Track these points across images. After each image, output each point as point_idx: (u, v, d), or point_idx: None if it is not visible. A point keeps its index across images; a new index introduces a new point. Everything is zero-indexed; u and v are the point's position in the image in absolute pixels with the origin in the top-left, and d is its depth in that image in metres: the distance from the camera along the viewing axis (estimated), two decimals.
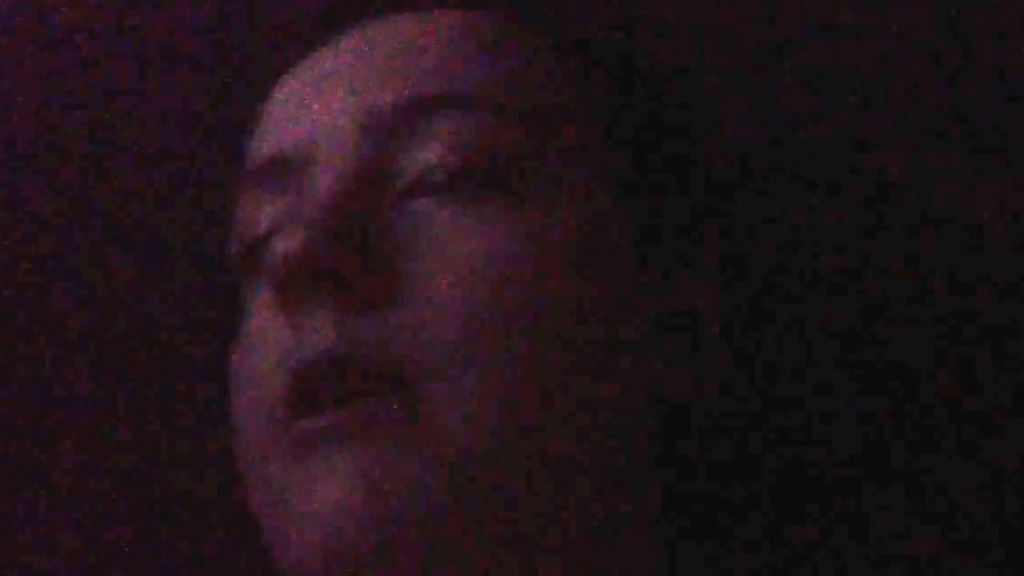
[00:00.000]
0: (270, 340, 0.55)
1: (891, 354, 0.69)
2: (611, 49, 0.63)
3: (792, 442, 0.69)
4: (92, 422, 0.81)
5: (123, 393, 0.81)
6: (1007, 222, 0.69)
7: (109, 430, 0.81)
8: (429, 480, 0.51)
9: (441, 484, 0.51)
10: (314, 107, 0.57)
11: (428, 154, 0.55)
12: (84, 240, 0.82)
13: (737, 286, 0.67)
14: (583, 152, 0.58)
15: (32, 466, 0.82)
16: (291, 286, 0.53)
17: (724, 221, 0.68)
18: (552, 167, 0.56)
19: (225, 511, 0.79)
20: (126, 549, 0.81)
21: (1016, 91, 0.70)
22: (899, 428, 0.69)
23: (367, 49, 0.58)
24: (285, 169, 0.57)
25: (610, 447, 0.55)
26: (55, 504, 0.82)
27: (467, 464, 0.52)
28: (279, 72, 0.62)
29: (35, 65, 0.82)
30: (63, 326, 0.82)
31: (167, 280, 0.81)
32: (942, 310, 0.69)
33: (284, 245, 0.52)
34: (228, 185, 0.66)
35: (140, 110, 0.81)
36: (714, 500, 0.66)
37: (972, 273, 0.69)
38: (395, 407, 0.52)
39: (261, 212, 0.58)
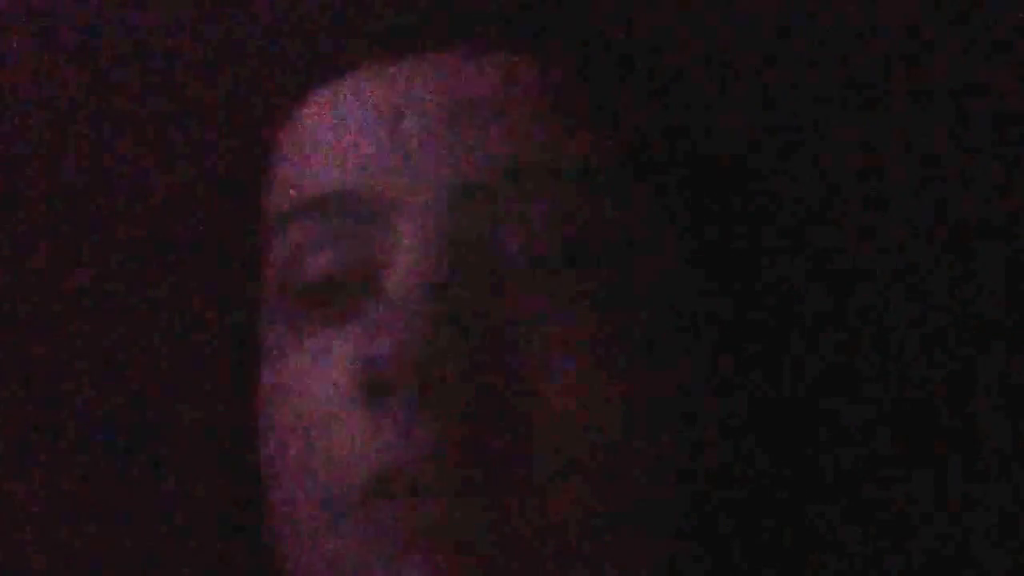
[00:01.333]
0: (348, 429, 0.51)
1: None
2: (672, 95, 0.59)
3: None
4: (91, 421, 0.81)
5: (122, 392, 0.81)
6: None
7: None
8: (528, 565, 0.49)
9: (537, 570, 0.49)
10: (386, 147, 0.52)
11: (535, 229, 0.51)
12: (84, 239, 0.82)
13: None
14: (663, 214, 0.55)
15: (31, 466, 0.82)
16: (390, 389, 0.49)
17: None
18: (643, 237, 0.53)
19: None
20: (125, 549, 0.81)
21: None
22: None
23: (448, 91, 0.52)
24: (351, 207, 0.52)
25: (669, 523, 0.54)
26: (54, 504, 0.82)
27: (557, 556, 0.49)
28: (315, 81, 0.56)
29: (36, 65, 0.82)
30: (63, 325, 0.82)
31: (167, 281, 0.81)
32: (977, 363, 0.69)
33: (387, 343, 0.48)
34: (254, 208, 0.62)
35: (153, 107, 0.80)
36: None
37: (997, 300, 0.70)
38: (499, 504, 0.49)
39: (322, 251, 0.53)
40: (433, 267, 0.50)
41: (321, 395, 0.52)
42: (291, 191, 0.54)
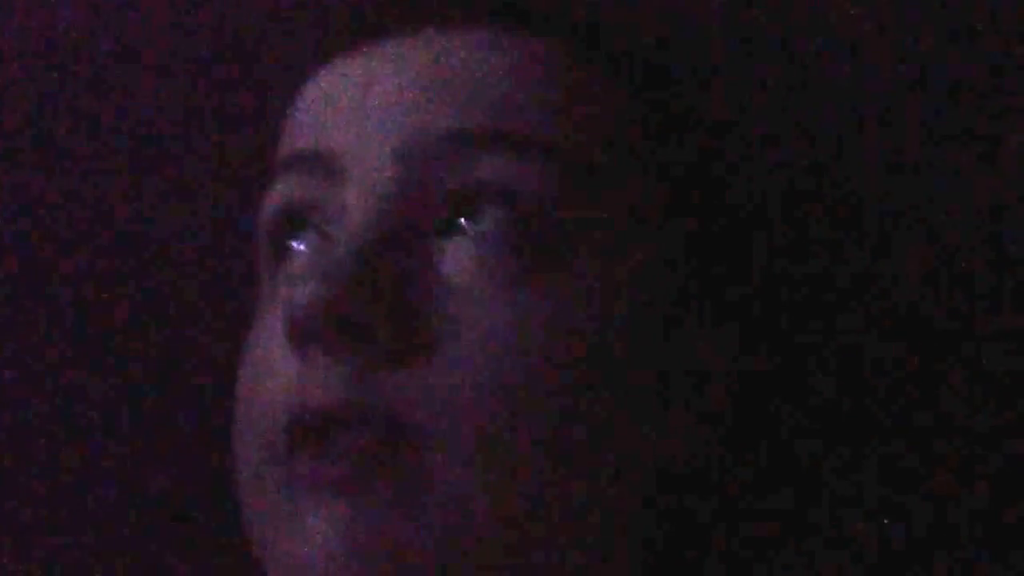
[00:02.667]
0: (280, 363, 0.54)
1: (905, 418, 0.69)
2: (664, 89, 0.60)
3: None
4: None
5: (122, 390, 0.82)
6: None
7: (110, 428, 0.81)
8: (419, 544, 0.51)
9: (430, 549, 0.51)
10: (353, 115, 0.55)
11: (468, 196, 0.53)
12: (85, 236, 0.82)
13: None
14: (630, 203, 0.56)
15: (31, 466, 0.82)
16: (306, 333, 0.51)
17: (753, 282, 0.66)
18: (597, 221, 0.55)
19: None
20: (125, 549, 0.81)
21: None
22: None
23: (413, 64, 0.55)
24: (320, 165, 0.56)
25: (606, 519, 0.54)
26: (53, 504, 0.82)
27: (460, 532, 0.51)
28: (314, 62, 0.60)
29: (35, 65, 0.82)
30: (63, 324, 0.82)
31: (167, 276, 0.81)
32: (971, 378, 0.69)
33: (305, 292, 0.50)
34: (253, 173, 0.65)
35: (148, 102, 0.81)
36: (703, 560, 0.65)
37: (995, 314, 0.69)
38: (396, 467, 0.51)
39: (295, 205, 0.56)
40: (365, 224, 0.53)
41: (268, 338, 0.55)
42: (285, 145, 0.59)
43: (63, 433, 0.82)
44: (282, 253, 0.57)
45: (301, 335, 0.51)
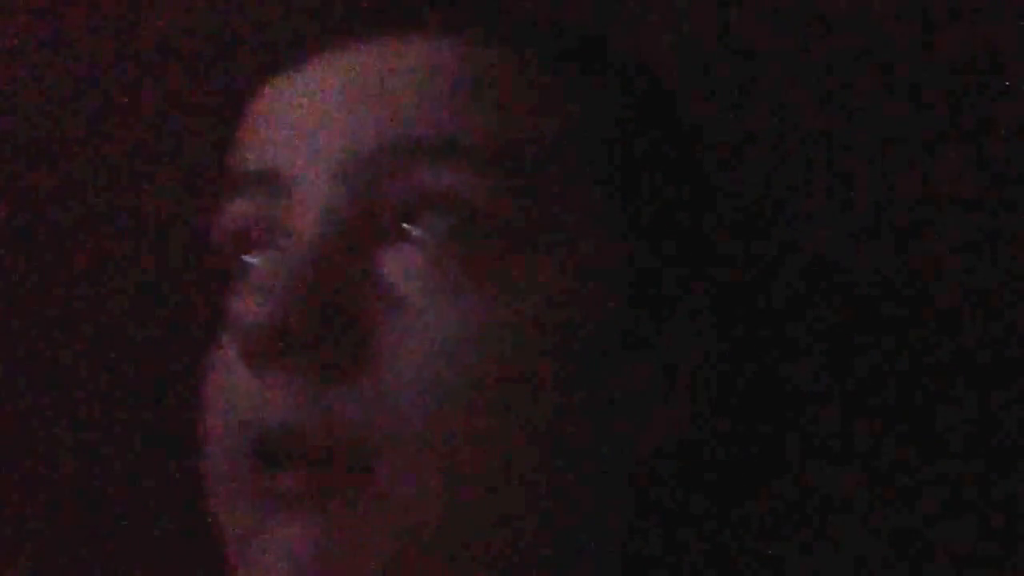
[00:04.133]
0: (238, 382, 0.55)
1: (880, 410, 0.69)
2: (608, 75, 0.59)
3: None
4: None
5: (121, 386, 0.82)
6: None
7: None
8: (377, 552, 0.52)
9: (389, 557, 0.52)
10: (296, 131, 0.56)
11: (410, 205, 0.54)
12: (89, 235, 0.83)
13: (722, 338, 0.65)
14: (572, 200, 0.56)
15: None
16: (258, 353, 0.52)
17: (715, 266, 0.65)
18: (540, 226, 0.54)
19: None
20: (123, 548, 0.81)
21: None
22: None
23: (351, 76, 0.56)
24: (265, 184, 0.56)
25: (568, 523, 0.55)
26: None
27: (415, 539, 0.52)
28: (269, 71, 0.60)
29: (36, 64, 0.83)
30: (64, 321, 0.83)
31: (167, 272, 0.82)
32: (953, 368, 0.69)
33: (252, 313, 0.51)
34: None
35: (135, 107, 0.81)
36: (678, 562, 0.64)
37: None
38: (350, 478, 0.52)
39: (244, 211, 0.57)
40: (309, 242, 0.54)
41: (225, 353, 0.56)
42: (229, 167, 0.59)
43: (59, 434, 0.83)
44: (235, 270, 0.58)
45: (250, 354, 0.52)
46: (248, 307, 0.51)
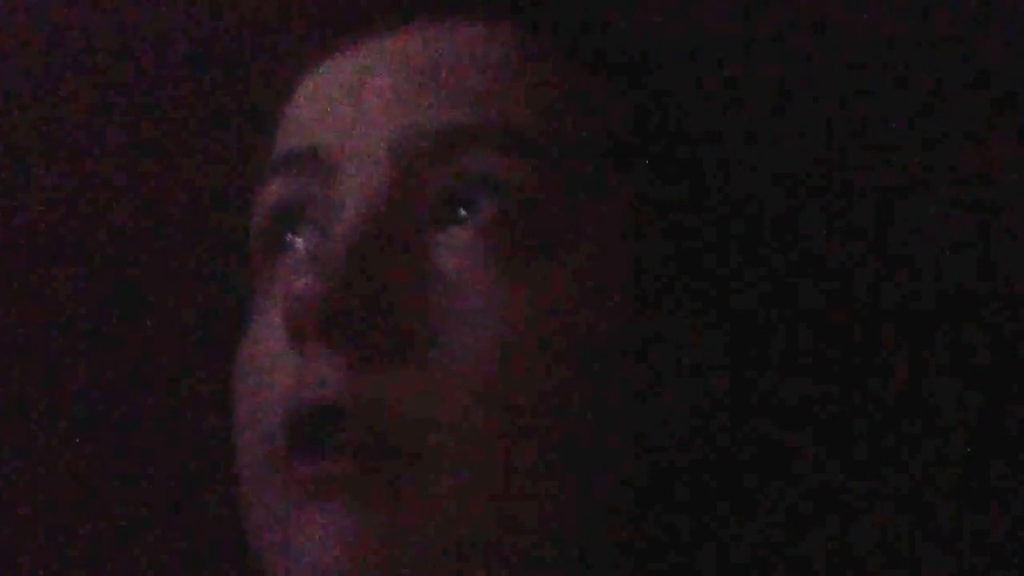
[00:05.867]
0: (278, 362, 0.54)
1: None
2: (635, 73, 0.61)
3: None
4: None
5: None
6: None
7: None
8: (421, 539, 0.51)
9: (433, 544, 0.51)
10: (347, 112, 0.56)
11: (460, 191, 0.54)
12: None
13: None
14: (619, 196, 0.57)
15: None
16: (304, 327, 0.52)
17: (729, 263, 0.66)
18: (588, 214, 0.55)
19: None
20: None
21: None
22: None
23: (404, 59, 0.56)
24: (315, 162, 0.56)
25: (599, 511, 0.55)
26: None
27: (457, 532, 0.51)
28: (309, 60, 0.60)
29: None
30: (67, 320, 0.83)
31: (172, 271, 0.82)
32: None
33: (302, 285, 0.51)
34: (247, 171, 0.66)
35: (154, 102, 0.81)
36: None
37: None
38: (395, 464, 0.51)
39: (289, 203, 0.57)
40: (357, 221, 0.54)
41: (267, 335, 0.56)
42: (277, 147, 0.59)
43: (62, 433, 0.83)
44: (277, 250, 0.57)
45: (298, 329, 0.52)
46: (297, 282, 0.51)
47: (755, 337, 0.67)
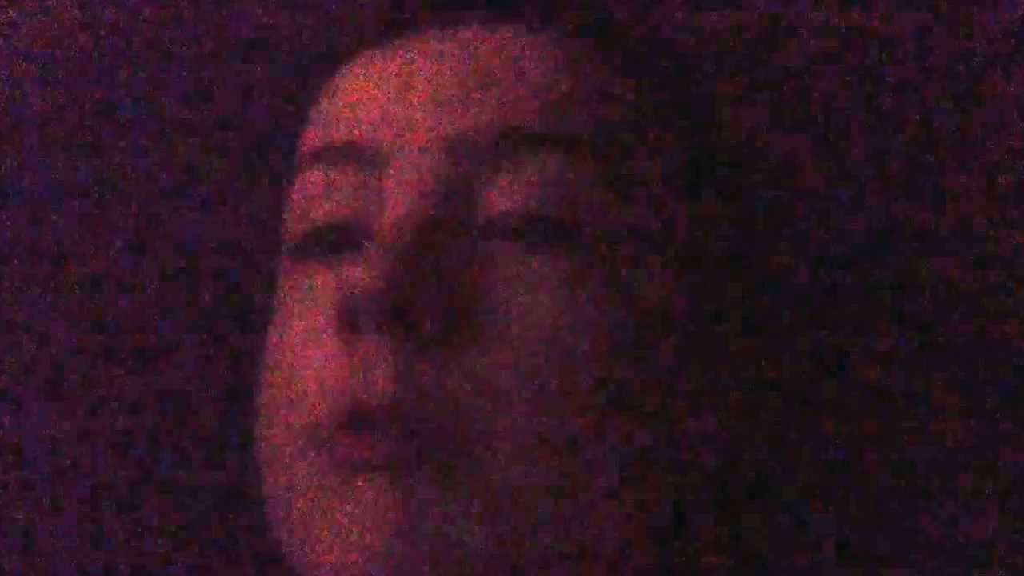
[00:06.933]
0: (322, 353, 0.54)
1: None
2: (672, 74, 0.61)
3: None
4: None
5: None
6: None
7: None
8: (468, 530, 0.51)
9: (479, 537, 0.51)
10: (395, 107, 0.56)
11: (517, 194, 0.54)
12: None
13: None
14: (667, 199, 0.57)
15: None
16: (361, 321, 0.52)
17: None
18: (632, 217, 0.56)
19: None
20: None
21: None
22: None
23: (454, 60, 0.56)
24: (358, 155, 0.56)
25: (640, 506, 0.55)
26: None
27: (506, 517, 0.52)
28: (342, 54, 0.60)
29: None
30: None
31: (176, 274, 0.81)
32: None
33: (360, 279, 0.51)
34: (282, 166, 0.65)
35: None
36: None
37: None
38: (445, 447, 0.52)
39: (331, 196, 0.57)
40: (414, 212, 0.54)
41: (307, 327, 0.56)
42: (316, 135, 0.59)
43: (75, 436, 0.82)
44: (313, 243, 0.57)
45: (354, 322, 0.52)
46: (354, 274, 0.51)
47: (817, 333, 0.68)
